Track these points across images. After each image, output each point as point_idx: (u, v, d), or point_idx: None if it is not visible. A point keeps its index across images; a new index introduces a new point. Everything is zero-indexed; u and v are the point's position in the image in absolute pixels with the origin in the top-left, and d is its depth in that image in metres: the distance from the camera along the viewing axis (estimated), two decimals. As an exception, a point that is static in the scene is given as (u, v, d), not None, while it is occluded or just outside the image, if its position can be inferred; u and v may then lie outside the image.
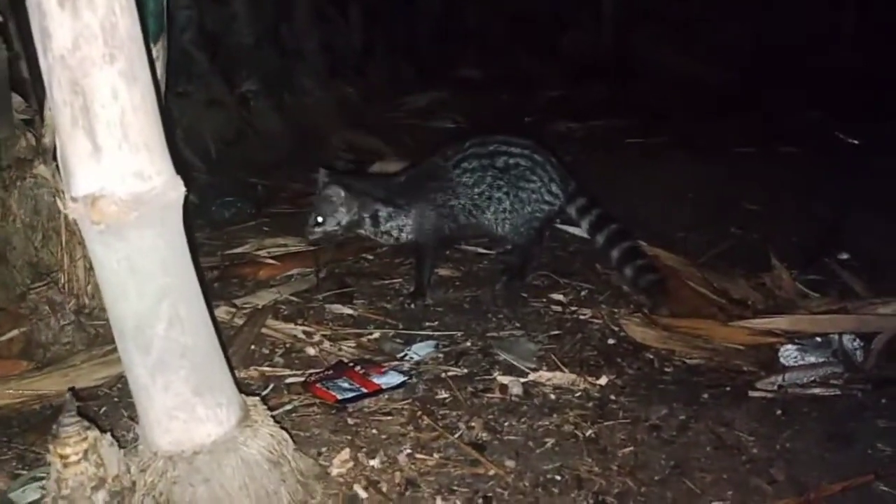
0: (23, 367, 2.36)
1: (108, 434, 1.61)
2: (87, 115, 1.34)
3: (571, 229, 3.35)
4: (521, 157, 3.00)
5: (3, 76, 2.68)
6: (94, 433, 1.56)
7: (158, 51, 2.59)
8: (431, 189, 2.98)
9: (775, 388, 2.26)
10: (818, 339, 2.53)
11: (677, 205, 3.67)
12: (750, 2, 7.07)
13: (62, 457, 1.53)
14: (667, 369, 2.45)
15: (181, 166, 4.21)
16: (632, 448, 2.00)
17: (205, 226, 3.76)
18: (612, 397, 2.26)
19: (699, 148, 4.52)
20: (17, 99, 2.76)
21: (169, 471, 1.59)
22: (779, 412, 2.13)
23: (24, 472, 1.89)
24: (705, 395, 2.25)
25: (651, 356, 2.52)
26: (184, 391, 1.57)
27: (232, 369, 1.73)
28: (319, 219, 2.84)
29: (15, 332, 2.45)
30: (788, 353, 2.45)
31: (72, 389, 1.80)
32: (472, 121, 5.66)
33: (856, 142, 4.53)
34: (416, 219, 2.94)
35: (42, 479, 1.69)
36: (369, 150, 5.06)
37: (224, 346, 1.72)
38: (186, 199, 1.55)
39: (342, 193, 2.81)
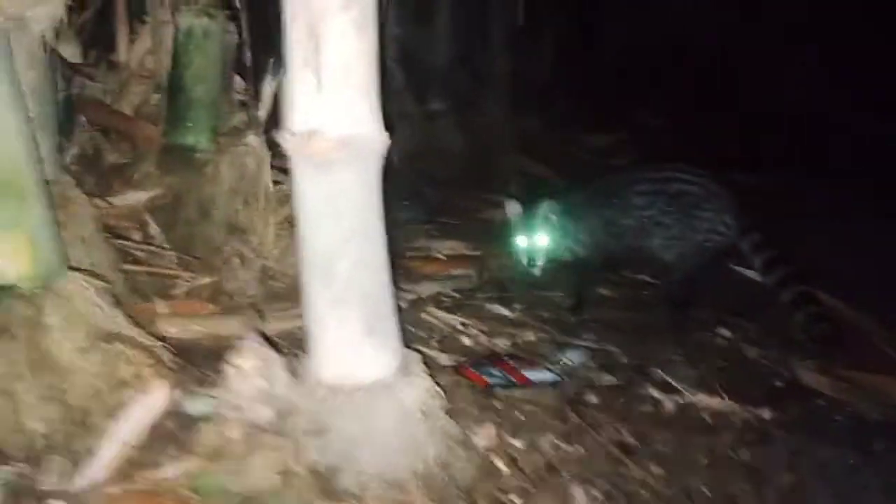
0: (209, 309, 2.57)
1: (279, 356, 1.73)
2: (317, 57, 1.49)
3: (747, 272, 3.21)
4: (694, 184, 2.94)
5: (230, 59, 2.98)
6: (269, 352, 1.69)
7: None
8: (602, 206, 2.98)
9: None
10: None
11: (864, 259, 3.42)
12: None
13: (237, 367, 1.66)
14: (837, 417, 2.28)
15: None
16: (793, 479, 1.88)
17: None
18: (775, 430, 2.14)
19: (881, 203, 4.20)
20: (238, 82, 3.06)
21: (329, 400, 1.68)
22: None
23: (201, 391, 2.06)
24: (881, 446, 2.07)
25: (822, 402, 2.37)
26: (356, 328, 1.66)
27: (399, 320, 1.81)
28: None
29: (207, 280, 2.67)
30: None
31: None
32: (649, 162, 5.55)
33: None
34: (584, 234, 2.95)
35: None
36: (539, 177, 5.12)
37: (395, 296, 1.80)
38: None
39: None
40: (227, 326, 2.47)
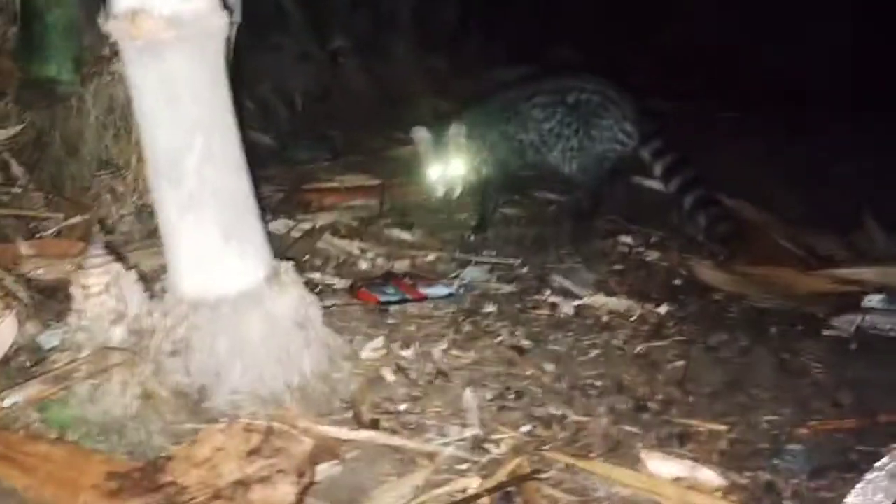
0: (80, 248, 2.39)
1: (133, 272, 1.59)
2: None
3: (649, 182, 3.18)
4: (593, 93, 2.87)
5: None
6: (117, 267, 1.55)
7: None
8: (504, 120, 2.88)
9: (853, 328, 2.05)
10: (909, 294, 2.29)
11: (768, 168, 3.43)
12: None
13: (84, 287, 1.52)
14: (733, 308, 2.27)
15: (268, 113, 4.23)
16: (682, 363, 1.84)
17: (279, 164, 3.79)
18: (671, 324, 2.11)
19: (800, 127, 4.24)
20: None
21: (190, 316, 1.55)
22: (853, 346, 1.93)
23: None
24: (773, 330, 2.06)
25: (719, 297, 2.35)
26: (212, 234, 1.53)
27: (265, 223, 1.69)
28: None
29: (77, 219, 2.48)
30: (872, 301, 2.22)
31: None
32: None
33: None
34: (486, 150, 2.85)
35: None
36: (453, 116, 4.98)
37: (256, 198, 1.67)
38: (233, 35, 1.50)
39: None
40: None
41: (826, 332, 2.05)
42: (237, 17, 2.66)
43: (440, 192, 2.75)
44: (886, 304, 2.22)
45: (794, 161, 3.59)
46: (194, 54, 1.43)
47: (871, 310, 2.16)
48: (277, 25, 5.01)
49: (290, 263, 1.73)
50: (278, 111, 4.67)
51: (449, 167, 2.73)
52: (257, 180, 3.30)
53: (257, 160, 3.75)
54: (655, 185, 3.06)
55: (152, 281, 1.78)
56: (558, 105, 2.87)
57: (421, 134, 2.76)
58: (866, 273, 2.40)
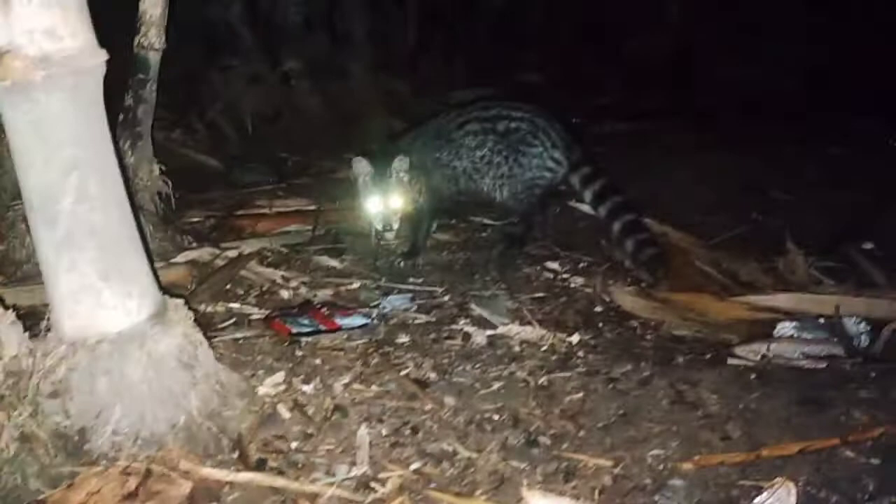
0: (-7, 279, 2.37)
1: (11, 312, 1.56)
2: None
3: (583, 207, 3.20)
4: (522, 121, 2.89)
5: None
6: (-3, 308, 1.53)
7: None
8: (435, 148, 2.90)
9: (757, 357, 2.07)
10: (821, 320, 2.32)
11: (701, 192, 3.47)
12: (818, 12, 6.79)
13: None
14: (648, 336, 2.29)
15: (218, 136, 4.21)
16: (581, 395, 1.85)
17: (223, 187, 3.78)
18: (580, 354, 2.12)
19: (740, 144, 4.30)
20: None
21: (69, 357, 1.53)
22: (753, 377, 1.95)
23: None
24: (680, 359, 2.08)
25: (636, 324, 2.37)
26: (89, 273, 1.52)
27: (152, 262, 1.67)
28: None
29: (-12, 248, 2.46)
30: (784, 329, 2.25)
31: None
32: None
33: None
34: (421, 179, 2.86)
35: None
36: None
37: (145, 238, 1.66)
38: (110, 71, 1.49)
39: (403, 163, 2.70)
40: (11, 297, 2.26)
41: (731, 361, 2.06)
42: (160, 44, 2.65)
43: (378, 225, 2.71)
44: (797, 331, 2.24)
45: (732, 183, 3.63)
46: (66, 94, 1.42)
47: (779, 338, 2.17)
48: (229, 47, 5.02)
49: (181, 301, 1.71)
50: (228, 133, 4.66)
51: (389, 201, 2.68)
52: (195, 204, 3.33)
53: (201, 183, 3.79)
54: (589, 209, 3.08)
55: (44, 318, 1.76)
56: (489, 133, 2.89)
57: (361, 166, 2.72)
58: (781, 300, 2.42)
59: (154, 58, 2.68)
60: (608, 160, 3.88)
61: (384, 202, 2.68)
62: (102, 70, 1.48)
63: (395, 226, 2.74)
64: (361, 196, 2.73)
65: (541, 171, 2.91)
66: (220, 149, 4.45)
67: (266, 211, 3.22)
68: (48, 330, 1.62)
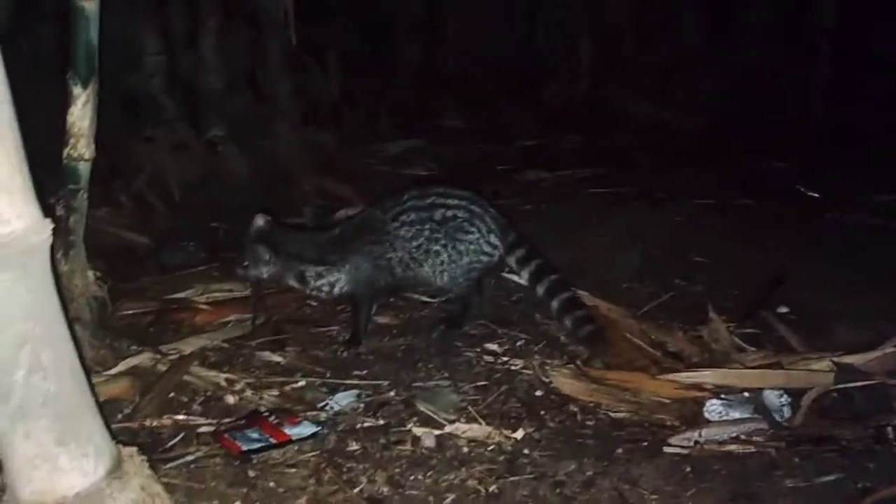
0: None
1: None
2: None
3: (517, 278, 3.32)
4: (458, 209, 3.00)
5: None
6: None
7: (88, 95, 2.61)
8: (368, 242, 2.97)
9: (691, 444, 2.21)
10: (746, 394, 2.48)
11: (626, 255, 3.64)
12: (724, 51, 7.19)
13: None
14: (588, 422, 2.40)
15: (145, 209, 4.17)
16: (530, 504, 1.93)
17: (154, 270, 3.74)
18: (526, 451, 2.21)
19: (659, 198, 4.52)
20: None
21: (28, 523, 1.53)
22: (688, 469, 2.08)
23: None
24: (619, 451, 2.19)
25: (576, 409, 2.48)
26: (46, 440, 1.53)
27: (104, 417, 1.69)
28: (246, 264, 2.84)
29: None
30: (713, 409, 2.40)
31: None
32: (446, 169, 5.66)
33: (816, 195, 4.51)
34: (350, 272, 2.95)
35: None
36: (339, 196, 5.04)
37: (95, 394, 1.68)
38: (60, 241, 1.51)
39: (265, 255, 2.82)
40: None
41: (667, 450, 2.18)
42: (89, 154, 2.66)
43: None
44: (725, 409, 2.39)
45: (652, 245, 3.82)
46: (16, 273, 1.43)
47: (709, 423, 2.32)
48: (151, 117, 4.97)
49: (135, 449, 1.72)
50: (155, 205, 4.62)
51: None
52: (127, 295, 3.28)
53: (131, 267, 3.74)
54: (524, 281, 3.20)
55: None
56: (426, 222, 2.98)
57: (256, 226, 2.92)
58: (706, 376, 2.57)
59: (84, 168, 2.68)
60: (533, 219, 4.07)
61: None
62: (49, 241, 1.50)
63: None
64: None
65: (478, 255, 3.02)
66: (148, 223, 4.40)
67: (203, 307, 3.20)
68: (2, 490, 1.61)
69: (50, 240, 1.50)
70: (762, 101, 6.74)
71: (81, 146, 2.64)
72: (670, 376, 2.59)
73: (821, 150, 5.30)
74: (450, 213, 3.00)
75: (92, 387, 1.67)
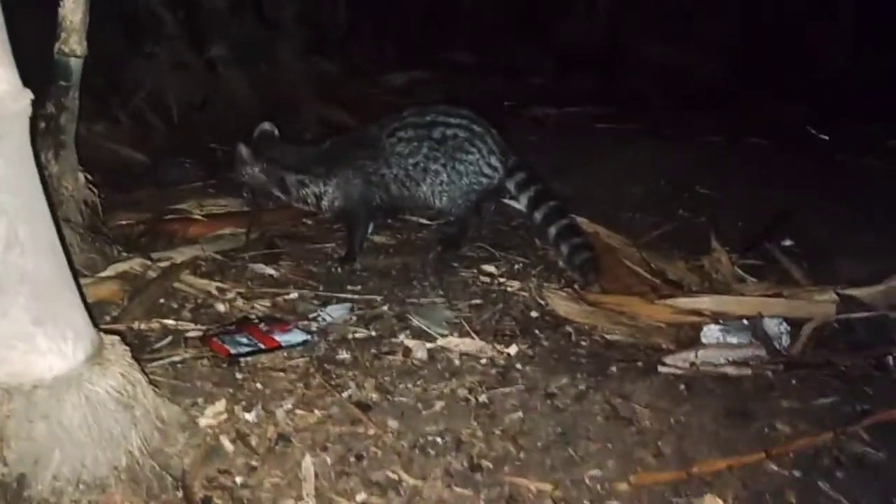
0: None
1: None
2: None
3: (516, 203, 3.24)
4: (459, 127, 2.91)
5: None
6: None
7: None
8: (360, 157, 2.90)
9: (687, 364, 2.16)
10: (744, 321, 2.43)
11: (630, 187, 3.57)
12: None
13: None
14: (583, 342, 2.36)
15: (143, 126, 4.08)
16: (521, 414, 1.91)
17: (150, 185, 3.67)
18: (518, 366, 2.17)
19: (668, 136, 4.43)
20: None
21: (4, 404, 1.50)
22: (682, 387, 2.04)
23: None
24: (613, 369, 2.15)
25: (570, 329, 2.43)
26: (22, 319, 1.48)
27: (86, 302, 1.64)
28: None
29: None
30: (710, 333, 2.35)
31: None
32: (452, 102, 5.52)
33: (826, 137, 4.41)
34: (339, 187, 2.89)
35: None
36: (340, 124, 4.94)
37: (77, 278, 1.62)
38: (36, 116, 1.44)
39: (245, 155, 2.76)
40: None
41: (662, 370, 2.14)
42: (82, 51, 2.56)
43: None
44: (722, 334, 2.35)
45: (659, 178, 3.74)
46: (-9, 139, 1.37)
47: (706, 345, 2.28)
48: (151, 33, 4.84)
49: (117, 338, 1.68)
50: (153, 123, 4.52)
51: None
52: (121, 206, 3.22)
53: (127, 182, 3.68)
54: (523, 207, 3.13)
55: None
56: (424, 140, 2.89)
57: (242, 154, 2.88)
58: (705, 302, 2.52)
59: (76, 64, 2.59)
60: (538, 151, 3.96)
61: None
62: (28, 112, 1.43)
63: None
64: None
65: (477, 176, 2.94)
66: (145, 141, 4.31)
67: (199, 216, 3.14)
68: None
69: (29, 110, 1.43)
70: (782, 49, 6.56)
71: (73, 41, 2.54)
72: (668, 301, 2.54)
73: (839, 97, 5.16)
74: (450, 132, 2.92)
75: (78, 284, 1.61)
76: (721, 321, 2.41)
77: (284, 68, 5.51)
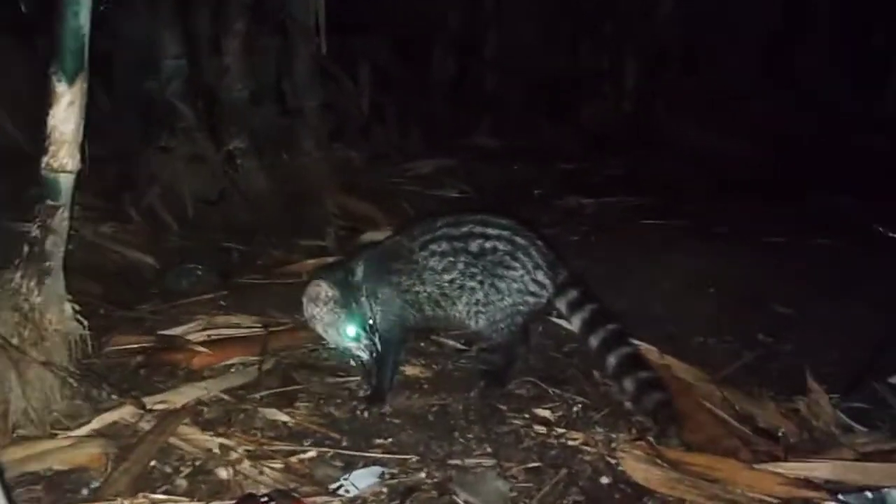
0: None
1: None
2: None
3: (567, 324, 2.81)
4: (499, 240, 2.51)
5: None
6: None
7: (75, 94, 2.19)
8: (394, 271, 2.49)
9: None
10: (868, 493, 1.96)
11: (695, 303, 3.14)
12: (782, 77, 6.69)
13: None
14: (673, 528, 1.88)
15: (154, 226, 3.72)
16: None
17: (156, 296, 3.31)
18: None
19: (721, 235, 4.02)
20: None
21: None
22: None
23: None
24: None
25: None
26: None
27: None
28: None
29: None
30: (840, 517, 1.87)
31: None
32: (480, 191, 5.22)
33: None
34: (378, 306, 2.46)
35: None
36: (363, 216, 4.61)
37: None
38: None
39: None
40: None
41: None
42: (73, 166, 2.24)
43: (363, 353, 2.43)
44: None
45: (725, 289, 3.31)
46: None
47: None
48: (167, 126, 4.56)
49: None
50: (166, 221, 4.20)
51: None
52: (121, 327, 2.83)
53: (132, 292, 3.31)
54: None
55: None
56: (460, 254, 2.50)
57: (322, 291, 2.38)
58: (819, 469, 2.05)
59: (66, 181, 2.25)
60: (580, 253, 3.56)
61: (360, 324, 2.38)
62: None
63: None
64: (328, 327, 2.39)
65: (522, 296, 2.53)
66: (157, 241, 3.98)
67: (203, 343, 2.74)
68: None
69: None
70: (820, 130, 6.22)
71: (63, 155, 2.22)
72: (771, 466, 2.08)
73: (886, 183, 4.73)
74: (489, 245, 2.52)
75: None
76: (841, 496, 1.94)
77: (305, 157, 5.21)
